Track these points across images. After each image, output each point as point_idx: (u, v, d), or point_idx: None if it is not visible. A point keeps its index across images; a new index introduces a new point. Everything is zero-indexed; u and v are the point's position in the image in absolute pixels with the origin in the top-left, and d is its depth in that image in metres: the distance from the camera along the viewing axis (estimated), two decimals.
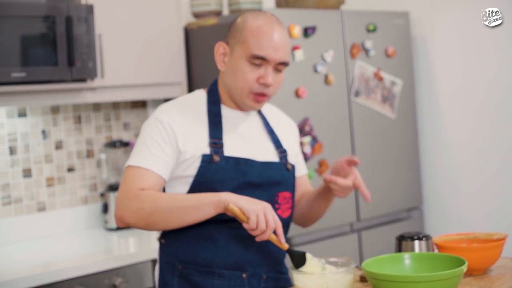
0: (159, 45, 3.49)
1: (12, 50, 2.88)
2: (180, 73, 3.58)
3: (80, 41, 3.04)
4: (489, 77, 3.85)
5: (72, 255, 3.11)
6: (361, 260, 3.62)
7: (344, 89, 3.65)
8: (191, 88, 3.65)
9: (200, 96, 2.21)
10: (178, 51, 3.58)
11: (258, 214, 1.89)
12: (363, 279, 2.08)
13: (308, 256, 1.95)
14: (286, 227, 2.18)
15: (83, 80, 3.12)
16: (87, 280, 2.86)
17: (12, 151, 3.37)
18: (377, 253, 2.45)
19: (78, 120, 3.59)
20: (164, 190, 2.13)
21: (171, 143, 2.07)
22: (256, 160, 2.13)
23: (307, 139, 3.45)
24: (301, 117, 3.44)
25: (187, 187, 2.08)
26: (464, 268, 1.81)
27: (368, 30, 3.76)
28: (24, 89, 2.99)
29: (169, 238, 2.13)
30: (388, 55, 3.84)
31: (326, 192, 2.19)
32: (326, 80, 3.56)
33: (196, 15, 3.75)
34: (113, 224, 3.51)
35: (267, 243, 2.08)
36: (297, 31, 3.42)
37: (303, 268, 1.92)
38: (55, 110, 3.50)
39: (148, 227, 2.03)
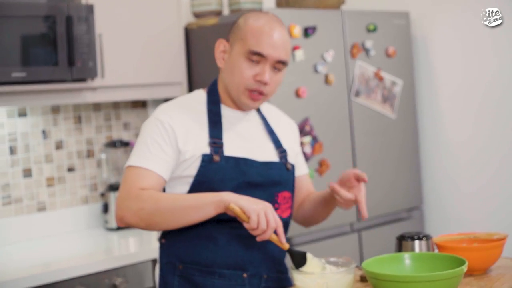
0: (160, 45, 3.49)
1: (12, 50, 2.88)
2: (180, 73, 3.58)
3: (81, 41, 3.04)
4: (489, 77, 3.85)
5: (72, 255, 3.11)
6: (362, 260, 3.62)
7: (344, 89, 3.65)
8: (191, 88, 3.65)
9: (200, 96, 2.21)
10: (178, 51, 3.58)
11: (259, 214, 1.90)
12: (363, 279, 2.08)
13: (309, 256, 1.95)
14: (285, 227, 2.18)
15: (83, 80, 3.12)
16: (88, 280, 2.86)
17: (12, 151, 3.37)
18: (377, 253, 2.46)
19: (79, 120, 3.59)
20: (164, 190, 2.13)
21: (171, 143, 2.07)
22: (256, 160, 2.13)
23: (307, 139, 3.45)
24: (302, 117, 3.44)
25: (187, 187, 2.08)
26: (464, 268, 1.81)
27: (369, 30, 3.76)
28: (25, 89, 2.99)
29: (169, 238, 2.13)
30: (388, 55, 3.85)
31: (330, 199, 2.19)
32: (327, 80, 3.56)
33: (197, 15, 3.75)
34: (113, 224, 3.51)
35: (268, 243, 2.08)
36: (297, 31, 3.42)
37: (304, 268, 1.93)
38: (55, 110, 3.50)
39: (149, 227, 2.03)
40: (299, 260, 1.94)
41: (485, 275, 2.08)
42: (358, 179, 2.12)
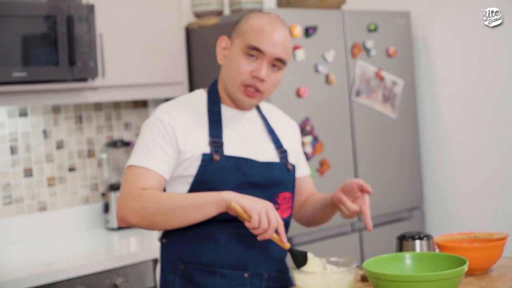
0: (160, 44, 3.50)
1: (13, 50, 2.88)
2: (181, 73, 3.59)
3: (81, 41, 3.04)
4: (490, 77, 3.84)
5: (73, 254, 3.11)
6: (362, 259, 3.62)
7: (345, 89, 3.65)
8: (192, 88, 3.65)
9: (200, 95, 2.21)
10: (179, 50, 3.58)
11: (260, 213, 1.90)
12: (364, 278, 2.08)
13: (310, 255, 1.95)
14: (286, 227, 2.18)
15: (84, 79, 3.12)
16: (88, 280, 2.86)
17: (13, 150, 3.37)
18: (378, 252, 2.45)
19: (79, 119, 3.59)
20: (164, 190, 2.13)
21: (172, 142, 2.07)
22: (257, 160, 2.13)
23: (308, 138, 3.45)
24: (302, 117, 3.44)
25: (187, 186, 2.08)
26: (465, 267, 1.81)
27: (369, 30, 3.76)
28: (25, 88, 2.99)
29: (170, 237, 2.13)
30: (389, 55, 3.84)
31: (332, 205, 2.20)
32: (327, 80, 3.56)
33: (197, 15, 3.75)
34: (114, 223, 3.51)
35: (269, 242, 2.08)
36: (298, 30, 3.42)
37: (304, 268, 1.93)
38: (56, 109, 3.50)
39: (150, 227, 2.03)
40: (300, 259, 1.94)
41: (486, 275, 2.08)
42: (362, 190, 2.12)
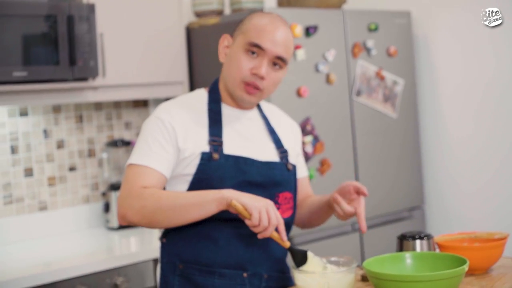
0: (161, 44, 3.50)
1: (13, 49, 2.88)
2: (181, 72, 3.59)
3: (82, 40, 3.04)
4: (490, 76, 3.84)
5: (74, 254, 3.11)
6: (363, 259, 3.62)
7: (345, 89, 3.65)
8: (192, 87, 3.65)
9: (201, 95, 2.21)
10: (179, 50, 3.58)
11: (260, 211, 1.90)
12: (364, 278, 2.08)
13: (310, 255, 1.95)
14: (287, 227, 2.17)
15: (84, 79, 3.12)
16: (89, 280, 2.86)
17: (13, 150, 3.37)
18: (378, 252, 2.45)
19: (80, 119, 3.59)
20: (164, 189, 2.13)
21: (172, 141, 2.07)
22: (257, 160, 2.13)
23: (308, 138, 3.45)
24: (303, 117, 3.44)
25: (186, 185, 2.08)
26: (466, 267, 1.81)
27: (370, 30, 3.76)
28: (26, 88, 2.99)
29: (170, 237, 2.13)
30: (389, 55, 3.84)
31: (327, 208, 2.20)
32: (328, 80, 3.56)
33: (198, 14, 3.75)
34: (114, 223, 3.51)
35: (269, 242, 2.08)
36: (298, 30, 3.41)
37: (304, 267, 1.92)
38: (56, 109, 3.50)
39: (151, 225, 2.03)
40: (300, 258, 1.94)
41: (486, 274, 2.08)
42: (358, 192, 2.12)
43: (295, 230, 3.09)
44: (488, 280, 2.02)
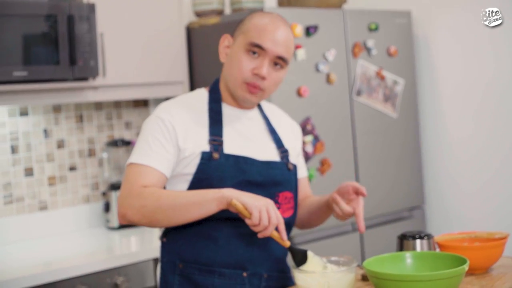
0: (161, 44, 3.50)
1: (14, 49, 2.88)
2: (182, 72, 3.59)
3: (82, 40, 3.05)
4: (491, 76, 3.84)
5: (74, 254, 3.11)
6: (363, 259, 3.62)
7: (346, 88, 3.65)
8: (193, 87, 3.65)
9: (202, 94, 2.21)
10: (180, 50, 3.58)
11: (260, 210, 1.90)
12: (364, 278, 2.08)
13: (310, 254, 1.95)
14: (288, 227, 2.17)
15: (85, 79, 3.12)
16: (89, 279, 2.86)
17: (13, 150, 3.37)
18: (378, 252, 2.45)
19: (80, 119, 3.59)
20: (164, 188, 2.13)
21: (172, 140, 2.07)
22: (257, 159, 2.13)
23: (309, 138, 3.45)
24: (303, 116, 3.44)
25: (186, 184, 2.08)
26: (466, 267, 1.81)
27: (370, 29, 3.76)
28: (26, 88, 3.00)
29: (170, 236, 2.13)
30: (390, 54, 3.84)
31: (326, 208, 2.20)
32: (328, 79, 3.56)
33: (198, 14, 3.75)
34: (115, 223, 3.51)
35: (269, 241, 2.08)
36: (299, 30, 3.42)
37: (304, 267, 1.93)
38: (56, 109, 3.50)
39: (151, 224, 2.03)
40: (300, 258, 1.94)
41: (486, 274, 2.08)
42: (357, 193, 2.12)
43: (295, 229, 3.09)
44: (488, 279, 2.02)
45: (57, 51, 2.98)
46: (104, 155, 3.62)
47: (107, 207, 3.55)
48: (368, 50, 3.74)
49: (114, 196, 3.53)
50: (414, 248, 2.11)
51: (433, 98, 4.07)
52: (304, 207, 2.31)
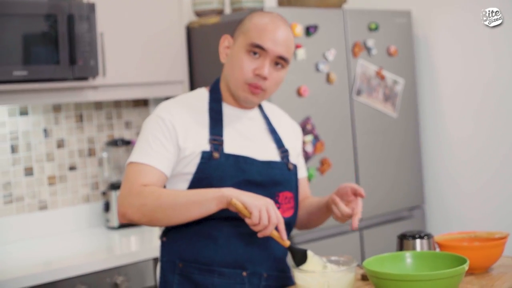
0: (161, 43, 3.50)
1: (13, 49, 2.88)
2: (182, 72, 3.59)
3: (82, 40, 3.04)
4: (490, 76, 3.84)
5: (74, 253, 3.11)
6: (363, 258, 3.62)
7: (346, 88, 3.65)
8: (193, 87, 3.65)
9: (202, 94, 2.21)
10: (180, 49, 3.58)
11: (260, 210, 1.90)
12: (364, 277, 2.08)
13: (309, 254, 1.95)
14: (288, 227, 2.17)
15: (84, 78, 3.12)
16: (89, 279, 2.86)
17: (13, 149, 3.37)
18: (378, 251, 2.45)
19: (80, 118, 3.59)
20: (165, 188, 2.13)
21: (172, 140, 2.07)
22: (257, 159, 2.13)
23: (309, 137, 3.45)
24: (303, 116, 3.44)
25: (186, 184, 2.08)
26: (466, 267, 1.81)
27: (370, 29, 3.76)
28: (26, 87, 3.00)
29: (170, 236, 2.13)
30: (390, 54, 3.84)
31: (325, 210, 2.20)
32: (328, 79, 3.56)
33: (198, 14, 3.75)
34: (114, 222, 3.51)
35: (268, 241, 2.08)
36: (299, 29, 3.42)
37: (304, 266, 1.93)
38: (56, 108, 3.50)
39: (151, 223, 2.03)
40: (300, 257, 1.94)
41: (486, 274, 2.08)
42: (356, 194, 2.12)
43: (294, 229, 3.09)
44: (488, 279, 2.02)
45: (57, 50, 2.98)
46: (104, 154, 3.62)
47: (107, 207, 3.55)
48: (368, 49, 3.74)
49: (114, 195, 3.53)
50: (414, 248, 2.11)
51: (433, 98, 4.07)
52: (303, 208, 2.30)
